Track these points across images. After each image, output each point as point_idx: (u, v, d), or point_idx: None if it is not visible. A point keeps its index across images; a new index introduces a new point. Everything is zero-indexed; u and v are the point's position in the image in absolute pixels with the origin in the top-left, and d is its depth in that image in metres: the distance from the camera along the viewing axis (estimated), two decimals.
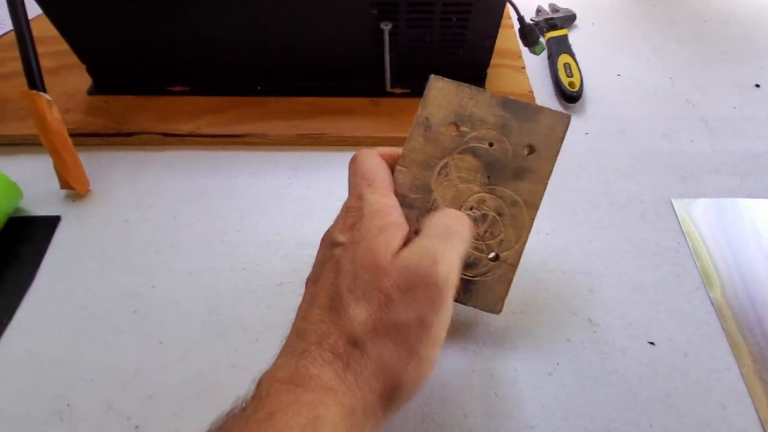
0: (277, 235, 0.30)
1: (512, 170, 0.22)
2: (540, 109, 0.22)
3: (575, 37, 0.44)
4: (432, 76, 0.22)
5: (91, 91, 0.37)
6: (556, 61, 0.40)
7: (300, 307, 0.20)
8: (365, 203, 0.20)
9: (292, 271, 0.29)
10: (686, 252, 0.29)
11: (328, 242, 0.20)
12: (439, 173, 0.22)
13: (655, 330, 0.26)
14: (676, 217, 0.31)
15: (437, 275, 0.17)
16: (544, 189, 0.22)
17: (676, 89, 0.40)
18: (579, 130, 0.37)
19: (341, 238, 0.19)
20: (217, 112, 0.36)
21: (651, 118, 0.38)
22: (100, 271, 0.28)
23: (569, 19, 0.47)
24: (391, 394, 0.17)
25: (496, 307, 0.22)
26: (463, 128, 0.22)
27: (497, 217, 0.22)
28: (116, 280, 0.28)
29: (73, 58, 0.36)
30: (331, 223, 0.21)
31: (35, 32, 0.40)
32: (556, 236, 0.30)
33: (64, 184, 0.31)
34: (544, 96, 0.39)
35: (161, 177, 0.33)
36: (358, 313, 0.17)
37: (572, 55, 0.41)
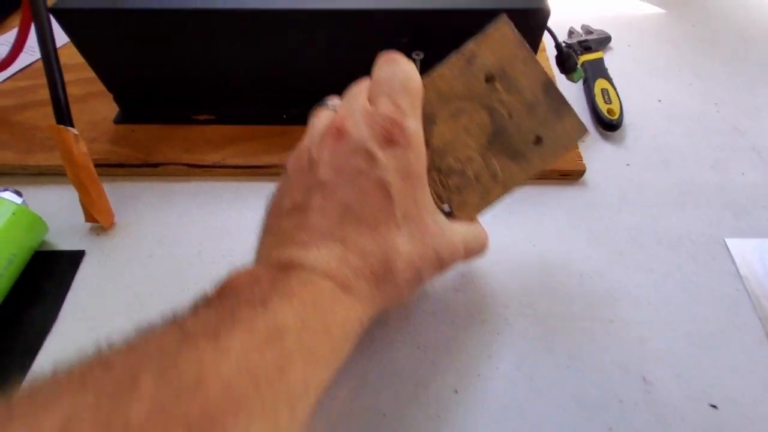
0: None
1: (513, 148, 0.22)
2: (570, 112, 0.22)
3: (611, 60, 0.42)
4: (503, 16, 0.21)
5: (118, 120, 0.37)
6: (593, 87, 0.39)
7: (310, 197, 0.19)
8: (409, 127, 0.19)
9: None
10: (745, 300, 0.27)
11: (356, 142, 0.19)
12: (452, 113, 0.22)
13: (717, 390, 0.24)
14: (732, 258, 0.29)
15: (449, 267, 0.21)
16: (526, 179, 0.23)
17: (722, 116, 0.38)
18: (620, 160, 0.35)
19: (377, 151, 0.19)
20: (242, 142, 0.35)
21: (697, 147, 0.36)
22: (125, 309, 0.27)
23: (604, 41, 0.45)
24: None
25: None
26: (497, 84, 0.21)
27: (474, 179, 0.23)
28: (141, 319, 0.27)
29: (100, 86, 0.36)
30: None
31: (63, 59, 0.40)
32: (601, 280, 0.28)
33: (89, 217, 0.31)
34: None
35: (186, 209, 0.32)
36: (403, 247, 0.19)
37: (609, 80, 0.39)
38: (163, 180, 0.34)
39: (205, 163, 0.34)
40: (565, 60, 0.33)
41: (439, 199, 0.22)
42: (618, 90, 0.39)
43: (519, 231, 0.31)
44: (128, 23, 0.30)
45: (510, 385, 0.24)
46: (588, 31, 0.46)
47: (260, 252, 0.20)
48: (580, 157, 0.34)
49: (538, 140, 0.22)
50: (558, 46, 0.33)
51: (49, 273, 0.29)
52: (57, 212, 0.32)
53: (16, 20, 0.49)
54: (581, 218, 0.31)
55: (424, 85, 0.21)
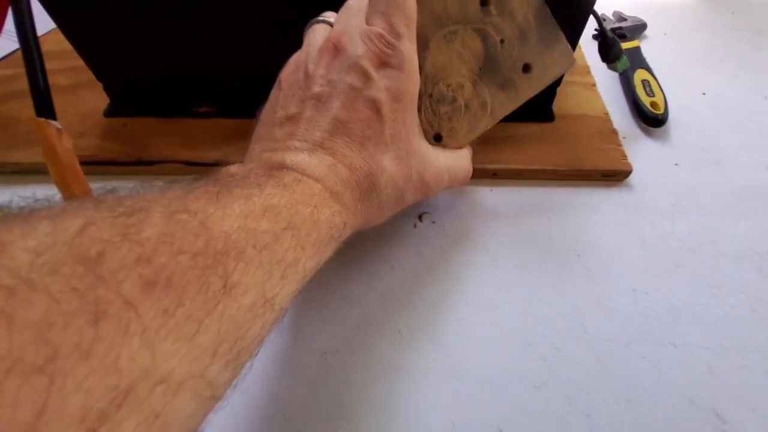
0: None
1: (502, 77, 0.23)
2: (560, 40, 0.22)
3: (647, 50, 0.39)
4: None
5: (109, 113, 0.33)
6: (632, 78, 0.35)
7: (303, 108, 0.19)
8: (403, 48, 0.20)
9: None
10: None
11: (352, 59, 0.19)
12: (445, 36, 0.22)
13: None
14: None
15: (433, 193, 0.23)
16: (514, 109, 0.23)
17: None
18: (666, 160, 0.32)
19: (371, 70, 0.19)
20: (246, 138, 0.31)
21: (750, 146, 0.32)
22: None
23: (639, 29, 0.41)
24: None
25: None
26: (491, 8, 0.21)
27: (464, 107, 0.23)
28: None
29: (89, 75, 0.32)
30: None
31: (48, 46, 0.36)
32: (659, 297, 0.25)
33: None
34: (620, 118, 0.34)
35: None
36: (388, 166, 0.20)
37: (650, 71, 0.36)
38: (159, 179, 0.30)
39: (205, 161, 0.30)
40: (610, 47, 0.30)
41: (429, 126, 0.23)
42: (659, 81, 0.35)
43: (561, 240, 0.27)
44: (120, 3, 0.26)
45: (563, 424, 0.21)
46: (620, 17, 0.42)
47: (250, 156, 0.20)
48: (625, 155, 0.30)
49: (527, 68, 0.23)
50: (602, 31, 0.30)
51: None
52: None
53: None
54: (630, 225, 0.28)
55: (418, 4, 0.21)
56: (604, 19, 0.42)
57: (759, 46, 0.40)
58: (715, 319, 0.24)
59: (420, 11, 0.21)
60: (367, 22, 0.20)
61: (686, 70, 0.38)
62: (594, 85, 0.35)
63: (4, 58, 0.39)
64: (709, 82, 0.37)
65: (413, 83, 0.20)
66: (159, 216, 0.12)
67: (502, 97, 0.23)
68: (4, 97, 0.35)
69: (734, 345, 0.23)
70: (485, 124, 0.24)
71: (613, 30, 0.40)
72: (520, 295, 0.25)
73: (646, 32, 0.42)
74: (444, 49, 0.22)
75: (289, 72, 0.21)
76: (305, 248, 0.16)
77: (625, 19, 0.41)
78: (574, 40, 0.28)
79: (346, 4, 0.22)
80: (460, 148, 0.24)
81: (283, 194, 0.16)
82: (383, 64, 0.19)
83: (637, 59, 0.37)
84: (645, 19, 0.42)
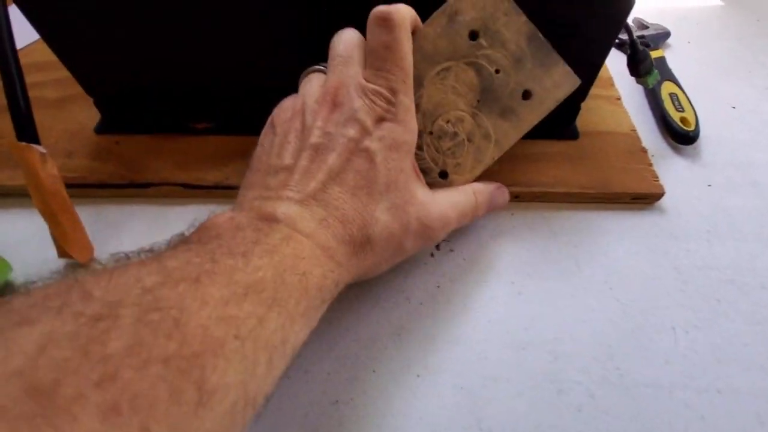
0: None
1: (502, 105, 0.23)
2: (558, 62, 0.22)
3: (671, 60, 0.37)
4: None
5: (100, 129, 0.31)
6: (659, 91, 0.33)
7: (299, 159, 0.19)
8: (400, 102, 0.20)
9: None
10: None
11: (349, 113, 0.20)
12: (438, 73, 0.22)
13: None
14: None
15: (439, 237, 0.22)
16: (519, 137, 0.23)
17: None
18: (699, 180, 0.30)
19: (370, 125, 0.20)
20: (247, 157, 0.29)
21: None
22: None
23: (662, 38, 0.39)
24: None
25: None
26: (481, 40, 0.21)
27: (466, 140, 0.23)
28: None
29: (79, 88, 0.30)
30: None
31: (34, 56, 0.34)
32: (700, 336, 0.23)
33: (62, 252, 0.25)
34: (647, 135, 0.32)
35: None
36: (382, 216, 0.19)
37: (677, 83, 0.34)
38: (154, 203, 0.28)
39: (204, 183, 0.28)
40: (641, 61, 0.28)
41: (434, 163, 0.23)
42: (687, 94, 0.33)
43: (592, 271, 0.25)
44: (107, 7, 0.24)
45: None
46: (642, 25, 0.40)
47: (241, 202, 0.20)
48: (656, 176, 0.28)
49: (527, 94, 0.22)
50: (633, 42, 0.27)
51: None
52: (23, 243, 0.26)
53: None
54: (665, 254, 0.26)
55: None
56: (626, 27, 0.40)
57: None
58: (762, 362, 0.22)
59: (412, 52, 0.21)
60: (365, 77, 0.20)
61: (714, 81, 0.36)
62: (619, 99, 0.33)
63: None
64: (739, 94, 0.35)
65: (410, 133, 0.21)
66: (128, 320, 0.11)
67: (505, 127, 0.23)
68: None
69: None
70: (491, 155, 0.23)
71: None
72: (547, 333, 0.23)
73: (669, 40, 0.40)
74: (439, 86, 0.22)
75: (284, 118, 0.21)
76: (294, 321, 0.16)
77: (647, 27, 0.39)
78: (601, 58, 0.26)
79: (335, 51, 0.21)
80: (468, 182, 0.24)
81: (270, 263, 0.15)
82: (381, 117, 0.20)
83: (664, 71, 0.35)
84: (667, 26, 0.40)
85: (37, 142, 0.23)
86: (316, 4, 0.24)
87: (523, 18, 0.21)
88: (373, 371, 0.22)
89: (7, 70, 0.22)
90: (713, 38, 0.40)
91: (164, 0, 0.24)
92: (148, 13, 0.24)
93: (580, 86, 0.29)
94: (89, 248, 0.26)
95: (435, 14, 0.21)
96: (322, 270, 0.17)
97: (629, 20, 0.40)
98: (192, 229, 0.17)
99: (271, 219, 0.18)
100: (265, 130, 0.22)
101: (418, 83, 0.22)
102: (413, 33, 0.21)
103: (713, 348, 0.22)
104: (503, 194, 0.25)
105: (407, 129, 0.20)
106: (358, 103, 0.20)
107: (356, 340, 0.23)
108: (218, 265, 0.14)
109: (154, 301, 0.12)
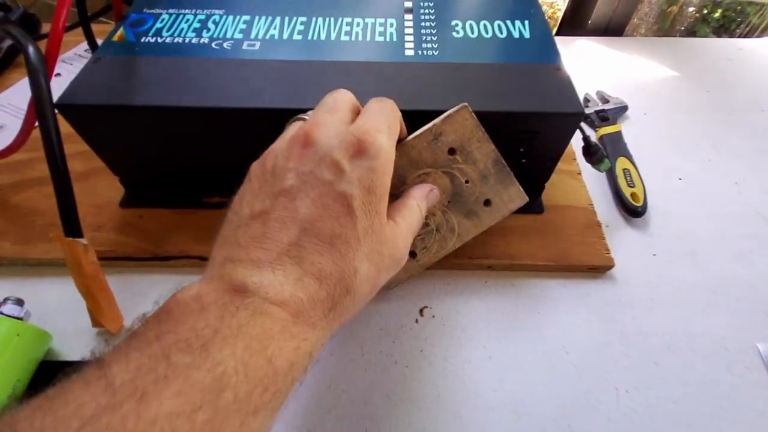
0: None
1: (467, 208, 0.28)
2: (514, 183, 0.27)
3: (627, 131, 0.42)
4: (465, 105, 0.25)
5: (124, 204, 0.35)
6: (614, 167, 0.38)
7: (272, 205, 0.18)
8: (381, 145, 0.20)
9: None
10: None
11: (323, 150, 0.19)
12: (419, 176, 0.26)
13: None
14: (765, 368, 0.28)
15: (401, 263, 0.22)
16: (478, 233, 0.29)
17: (744, 198, 0.38)
18: (646, 250, 0.34)
19: (344, 161, 0.19)
20: None
21: (721, 236, 0.35)
22: None
23: (621, 111, 0.44)
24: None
25: (390, 286, 0.30)
26: (457, 156, 0.26)
27: (435, 230, 0.28)
28: None
29: (102, 163, 0.34)
30: None
31: (61, 128, 0.38)
32: (638, 396, 0.27)
33: (96, 323, 0.29)
34: (604, 208, 0.37)
35: None
36: (361, 265, 0.19)
37: (630, 159, 0.39)
38: (175, 272, 0.32)
39: None
40: (593, 153, 0.32)
41: None
42: (638, 168, 0.38)
43: (551, 335, 0.30)
44: (138, 119, 0.28)
45: None
46: (604, 98, 0.45)
47: (212, 264, 0.19)
48: (608, 249, 0.33)
49: (488, 203, 0.28)
50: (586, 139, 0.32)
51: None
52: (60, 312, 0.30)
53: (8, 78, 0.47)
54: (613, 320, 0.30)
55: (398, 151, 0.23)
56: (588, 100, 0.45)
57: (731, 126, 0.44)
58: (689, 419, 0.26)
59: (399, 157, 0.24)
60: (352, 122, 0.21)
61: (665, 153, 0.41)
62: (579, 173, 0.38)
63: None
64: (685, 166, 0.40)
65: (387, 174, 0.20)
66: None
67: (467, 224, 0.28)
68: (18, 186, 0.36)
69: None
70: (453, 244, 0.29)
71: (597, 113, 0.43)
72: (513, 394, 0.27)
73: (627, 113, 0.45)
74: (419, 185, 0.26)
75: (258, 165, 0.20)
76: (257, 414, 0.15)
77: (608, 101, 0.45)
78: (559, 152, 0.31)
79: (322, 101, 0.22)
80: (431, 263, 0.29)
81: (233, 354, 0.15)
82: (358, 152, 0.19)
83: (619, 146, 0.40)
84: (625, 96, 0.45)
85: (80, 235, 0.27)
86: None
87: (492, 146, 0.26)
88: (366, 430, 0.26)
89: (57, 173, 0.26)
90: (667, 110, 0.45)
91: (184, 119, 0.28)
92: (171, 127, 0.29)
93: (544, 171, 0.34)
94: (120, 319, 0.30)
95: (422, 130, 0.25)
96: (294, 343, 0.16)
97: (593, 92, 0.46)
98: (156, 308, 0.16)
99: (241, 290, 0.16)
100: (245, 181, 0.21)
101: (402, 181, 0.26)
102: (399, 141, 0.25)
103: (649, 407, 0.27)
104: (434, 194, 0.26)
105: (384, 168, 0.20)
106: (334, 141, 0.19)
107: (351, 401, 0.27)
108: (173, 368, 0.14)
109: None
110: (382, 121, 0.20)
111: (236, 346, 0.15)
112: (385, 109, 0.22)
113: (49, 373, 0.28)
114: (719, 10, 1.08)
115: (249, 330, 0.15)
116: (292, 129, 0.21)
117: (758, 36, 0.59)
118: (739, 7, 1.05)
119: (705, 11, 1.08)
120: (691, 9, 1.06)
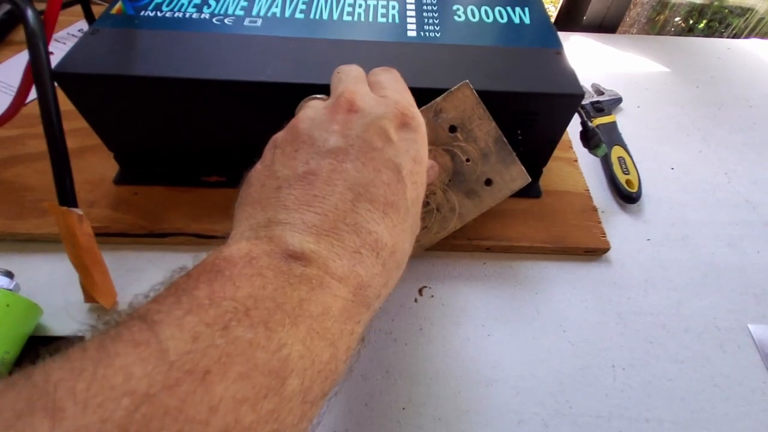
0: None
1: (468, 187, 0.27)
2: (515, 162, 0.27)
3: (622, 123, 0.43)
4: (466, 82, 0.25)
5: (118, 180, 0.34)
6: (610, 155, 0.39)
7: (318, 164, 0.17)
8: (420, 120, 0.20)
9: None
10: None
11: (370, 117, 0.18)
12: None
13: None
14: (757, 347, 0.29)
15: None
16: (479, 214, 0.28)
17: (734, 187, 0.39)
18: (640, 235, 0.35)
19: (392, 130, 0.18)
20: None
21: (713, 222, 0.36)
22: None
23: (615, 102, 0.45)
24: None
25: None
26: (458, 134, 0.25)
27: (435, 210, 0.28)
28: None
29: (97, 139, 0.33)
30: None
31: None
32: (634, 373, 0.28)
33: (88, 298, 0.28)
34: (600, 194, 0.37)
35: None
36: (406, 241, 0.18)
37: (625, 147, 0.40)
38: (170, 250, 0.32)
39: (215, 234, 0.32)
40: (590, 138, 0.33)
41: None
42: (633, 157, 0.39)
43: (549, 314, 0.30)
44: (137, 90, 0.28)
45: None
46: (599, 91, 0.46)
47: (250, 226, 0.16)
48: (604, 232, 0.33)
49: (489, 182, 0.27)
50: (584, 123, 0.33)
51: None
52: (51, 287, 0.29)
53: (5, 51, 0.46)
54: (609, 300, 0.31)
55: None
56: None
57: (720, 120, 0.45)
58: (682, 394, 0.27)
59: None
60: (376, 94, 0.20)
61: (657, 145, 0.42)
62: (576, 160, 0.38)
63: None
64: (678, 157, 0.41)
65: (426, 147, 0.20)
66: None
67: (468, 204, 0.28)
68: (8, 162, 0.35)
69: (698, 419, 0.26)
70: (453, 225, 0.28)
71: (592, 104, 0.44)
72: (511, 371, 0.27)
73: (622, 105, 0.46)
74: None
75: (287, 132, 0.19)
76: (315, 405, 0.13)
77: (603, 93, 0.45)
78: (557, 135, 0.32)
79: (343, 74, 0.21)
80: (432, 243, 0.28)
81: (296, 335, 0.13)
82: (402, 124, 0.19)
83: (614, 136, 0.40)
84: (619, 89, 0.46)
85: (75, 205, 0.26)
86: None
87: (493, 124, 0.26)
88: (365, 405, 0.26)
89: (54, 145, 0.25)
90: (659, 103, 0.47)
91: (183, 91, 0.28)
92: (170, 99, 0.28)
93: (542, 155, 0.34)
94: (113, 294, 0.29)
95: (423, 108, 0.25)
96: (350, 326, 0.15)
97: (588, 85, 0.46)
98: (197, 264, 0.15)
99: (298, 257, 0.15)
100: (267, 148, 0.20)
101: None
102: None
103: (644, 383, 0.27)
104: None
105: (425, 141, 0.20)
106: (379, 110, 0.18)
107: (351, 377, 0.27)
108: (234, 344, 0.12)
109: (144, 423, 0.10)
110: (409, 96, 0.21)
111: (298, 329, 0.13)
112: (400, 80, 0.22)
113: (38, 351, 0.27)
114: (704, 21, 1.11)
115: (310, 308, 0.14)
116: (318, 106, 0.20)
117: (746, 37, 0.61)
118: (722, 17, 1.08)
119: (691, 21, 1.11)
120: (677, 19, 1.09)
